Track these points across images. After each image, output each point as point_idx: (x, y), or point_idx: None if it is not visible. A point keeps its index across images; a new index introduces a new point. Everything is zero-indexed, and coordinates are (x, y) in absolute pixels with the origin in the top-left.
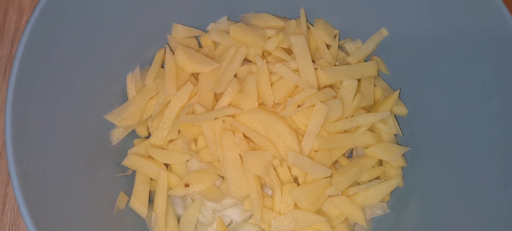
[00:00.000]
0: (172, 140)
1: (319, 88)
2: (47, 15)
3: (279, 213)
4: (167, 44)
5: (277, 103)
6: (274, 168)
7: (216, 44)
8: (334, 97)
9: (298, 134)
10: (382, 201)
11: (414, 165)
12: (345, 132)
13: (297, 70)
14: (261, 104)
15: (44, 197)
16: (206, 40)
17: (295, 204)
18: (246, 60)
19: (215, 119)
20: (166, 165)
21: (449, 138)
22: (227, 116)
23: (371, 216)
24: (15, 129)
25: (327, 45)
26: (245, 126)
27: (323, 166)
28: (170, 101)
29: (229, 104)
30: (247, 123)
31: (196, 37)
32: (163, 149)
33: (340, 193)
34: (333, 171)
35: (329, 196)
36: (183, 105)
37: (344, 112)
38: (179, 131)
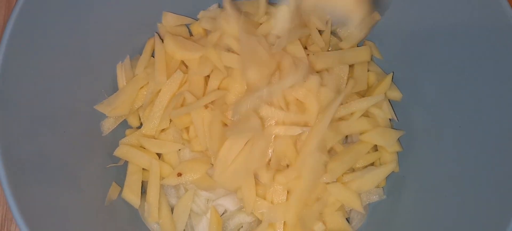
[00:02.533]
0: (164, 129)
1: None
2: (32, 4)
3: (272, 202)
4: (157, 33)
5: None
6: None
7: (207, 32)
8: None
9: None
10: (377, 186)
11: (409, 149)
12: (341, 119)
13: None
14: None
15: (33, 189)
16: (197, 28)
17: (288, 192)
18: None
19: (206, 107)
20: (158, 155)
21: (444, 121)
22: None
23: (367, 202)
24: (2, 120)
25: (319, 31)
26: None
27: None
28: (160, 90)
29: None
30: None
31: (187, 26)
32: (155, 139)
33: (336, 180)
34: (327, 158)
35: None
36: (174, 93)
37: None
38: (170, 120)
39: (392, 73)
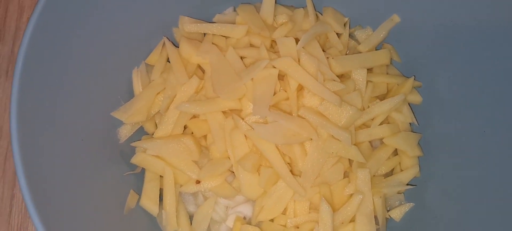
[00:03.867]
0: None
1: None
2: (49, 11)
3: (294, 215)
4: (165, 36)
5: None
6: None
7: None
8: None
9: None
10: (399, 192)
11: (431, 154)
12: (364, 125)
13: None
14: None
15: (52, 197)
16: None
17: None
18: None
19: (224, 112)
20: None
21: (467, 125)
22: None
23: (389, 208)
24: (20, 129)
25: (337, 34)
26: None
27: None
28: (175, 95)
29: None
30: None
31: None
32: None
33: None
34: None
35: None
36: (190, 98)
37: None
38: (185, 127)
39: (413, 77)
